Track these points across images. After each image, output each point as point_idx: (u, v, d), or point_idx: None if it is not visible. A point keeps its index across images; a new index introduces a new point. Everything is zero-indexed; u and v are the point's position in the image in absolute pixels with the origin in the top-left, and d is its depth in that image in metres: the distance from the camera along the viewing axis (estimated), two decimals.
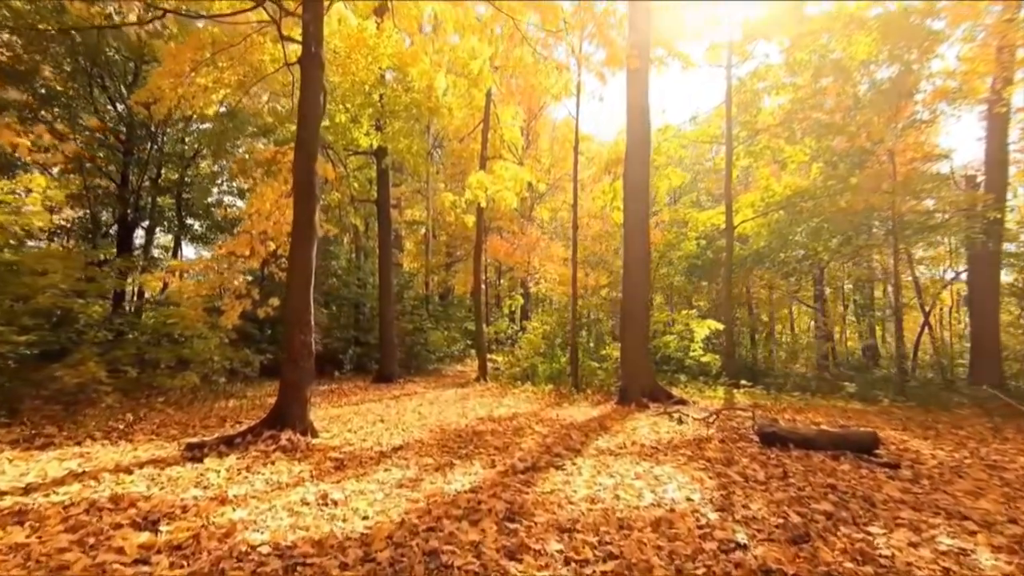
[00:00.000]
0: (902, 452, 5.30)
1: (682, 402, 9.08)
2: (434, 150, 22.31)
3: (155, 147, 16.26)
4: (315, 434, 5.88)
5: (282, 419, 5.65)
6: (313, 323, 5.97)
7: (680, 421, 7.00)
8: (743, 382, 10.64)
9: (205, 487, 3.95)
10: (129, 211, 15.31)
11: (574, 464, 4.83)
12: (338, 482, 4.24)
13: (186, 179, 15.15)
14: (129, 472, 4.27)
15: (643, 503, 3.75)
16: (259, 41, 9.65)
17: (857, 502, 3.75)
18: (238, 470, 4.41)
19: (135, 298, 15.98)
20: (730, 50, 13.57)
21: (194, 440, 5.28)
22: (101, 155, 15.06)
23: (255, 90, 13.70)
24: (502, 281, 28.88)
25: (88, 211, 15.00)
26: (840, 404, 9.65)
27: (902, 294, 16.27)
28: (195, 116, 14.14)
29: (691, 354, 12.52)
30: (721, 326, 12.46)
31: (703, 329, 12.46)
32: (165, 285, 9.65)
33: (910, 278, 19.15)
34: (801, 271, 17.84)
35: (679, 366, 12.85)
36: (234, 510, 3.47)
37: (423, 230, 23.60)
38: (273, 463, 4.65)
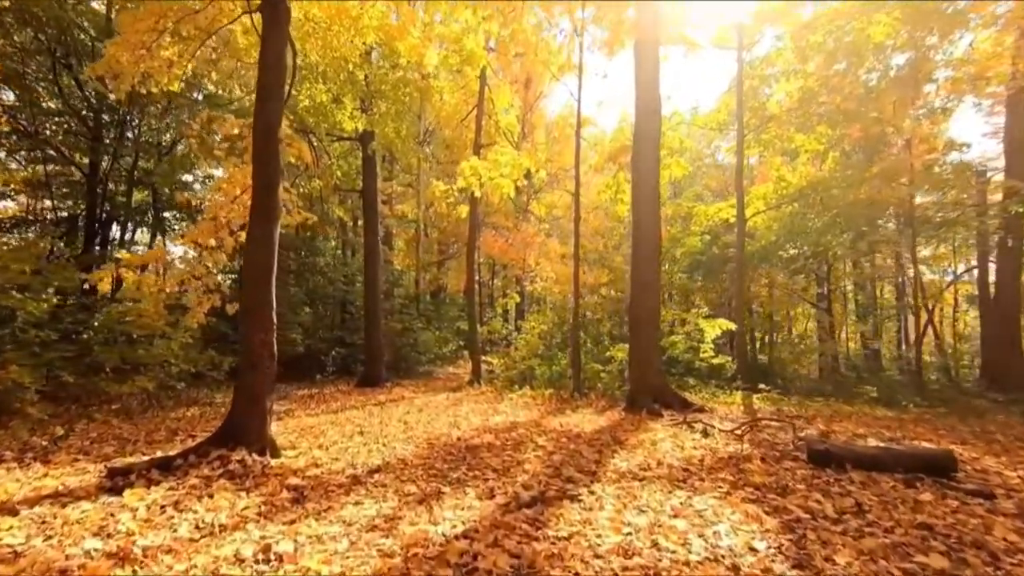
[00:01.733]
0: (982, 475, 4.41)
1: (699, 409, 8.19)
2: (425, 145, 21.32)
3: (129, 135, 15.17)
4: (276, 452, 4.90)
5: (236, 434, 4.67)
6: (275, 319, 5.00)
7: (705, 433, 6.08)
8: (761, 386, 9.77)
9: (109, 535, 2.97)
10: (99, 203, 14.24)
11: (592, 493, 3.90)
12: (292, 523, 3.27)
13: (159, 168, 14.04)
14: (14, 513, 3.26)
15: (693, 556, 2.82)
16: (228, 8, 8.68)
17: (972, 552, 2.85)
18: (163, 507, 3.43)
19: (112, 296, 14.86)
20: (740, 31, 12.74)
21: (119, 464, 4.28)
22: (71, 139, 14.01)
23: (237, 69, 12.67)
24: (496, 281, 27.91)
25: (51, 201, 13.89)
26: (867, 410, 8.79)
27: (918, 292, 15.60)
28: (173, 104, 13.14)
29: (701, 356, 11.63)
30: (733, 326, 11.59)
31: (713, 329, 11.57)
32: (119, 281, 8.57)
33: (913, 275, 18.49)
34: (809, 269, 17.09)
35: (687, 368, 11.96)
36: (134, 574, 2.50)
37: (415, 228, 22.61)
38: (212, 496, 3.66)
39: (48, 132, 13.98)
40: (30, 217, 15.38)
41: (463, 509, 3.57)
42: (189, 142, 7.72)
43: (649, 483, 4.16)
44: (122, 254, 6.71)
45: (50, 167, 14.70)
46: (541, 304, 24.83)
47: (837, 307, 20.45)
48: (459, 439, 6.03)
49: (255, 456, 4.52)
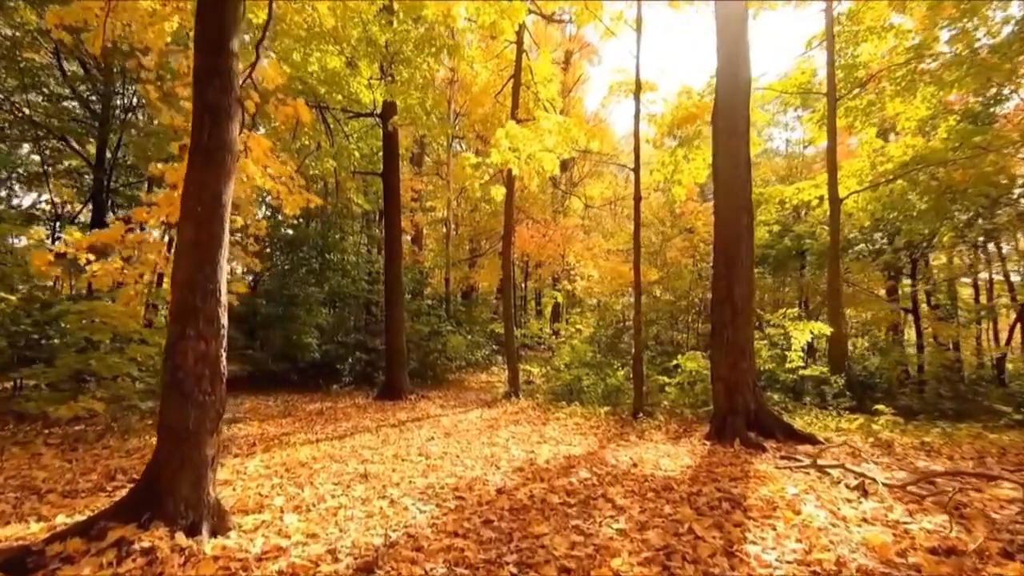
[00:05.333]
0: None
1: (811, 440, 6.20)
2: (456, 139, 19.70)
3: (146, 120, 14.11)
4: (222, 524, 3.20)
5: (156, 499, 3.01)
6: (225, 320, 3.33)
7: (865, 492, 4.09)
8: (879, 407, 7.59)
9: None
10: (105, 195, 13.21)
11: None
12: None
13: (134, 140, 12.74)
14: None
15: None
16: None
17: None
18: None
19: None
20: None
21: None
22: (76, 127, 13.04)
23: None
24: (529, 283, 26.00)
25: (49, 193, 12.92)
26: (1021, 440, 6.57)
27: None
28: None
29: (787, 365, 9.51)
30: (828, 329, 9.43)
31: (803, 334, 9.44)
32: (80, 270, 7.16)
33: (1000, 276, 15.80)
34: (902, 263, 14.61)
35: (769, 381, 9.85)
36: None
37: (444, 225, 21.06)
38: None
39: (54, 121, 13.03)
40: (34, 211, 14.50)
41: None
42: (144, 89, 6.19)
43: None
44: (70, 233, 5.22)
45: (54, 158, 13.79)
46: (581, 306, 22.83)
47: (924, 308, 17.79)
48: (499, 491, 4.24)
49: (180, 537, 2.84)
